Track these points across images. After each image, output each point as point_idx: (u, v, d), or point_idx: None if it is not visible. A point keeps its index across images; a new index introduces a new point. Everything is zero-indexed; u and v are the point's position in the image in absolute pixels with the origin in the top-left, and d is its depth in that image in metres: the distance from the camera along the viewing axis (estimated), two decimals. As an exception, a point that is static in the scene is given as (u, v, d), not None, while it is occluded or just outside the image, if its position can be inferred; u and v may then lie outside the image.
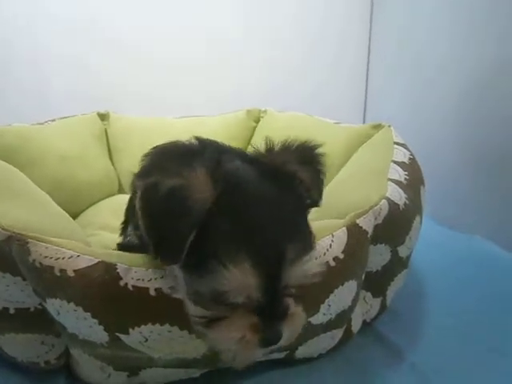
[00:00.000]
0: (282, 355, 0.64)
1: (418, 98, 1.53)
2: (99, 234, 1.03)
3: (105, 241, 0.97)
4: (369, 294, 0.73)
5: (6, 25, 1.42)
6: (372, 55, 1.81)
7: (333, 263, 0.56)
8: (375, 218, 0.62)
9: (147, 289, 0.52)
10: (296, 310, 0.48)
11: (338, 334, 0.67)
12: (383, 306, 0.77)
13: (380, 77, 1.79)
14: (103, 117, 1.41)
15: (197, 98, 1.59)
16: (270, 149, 0.54)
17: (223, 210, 0.44)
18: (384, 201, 0.64)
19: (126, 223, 0.80)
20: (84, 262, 0.53)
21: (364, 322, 0.75)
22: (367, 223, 0.60)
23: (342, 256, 0.57)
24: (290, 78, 1.73)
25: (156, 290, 0.52)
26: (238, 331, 0.45)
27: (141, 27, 1.55)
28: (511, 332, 0.79)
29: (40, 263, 0.52)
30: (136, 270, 0.53)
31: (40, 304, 0.59)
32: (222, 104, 1.48)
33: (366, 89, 1.85)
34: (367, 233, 0.60)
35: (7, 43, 1.44)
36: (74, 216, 1.13)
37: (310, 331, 0.59)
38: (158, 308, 0.52)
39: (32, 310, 0.59)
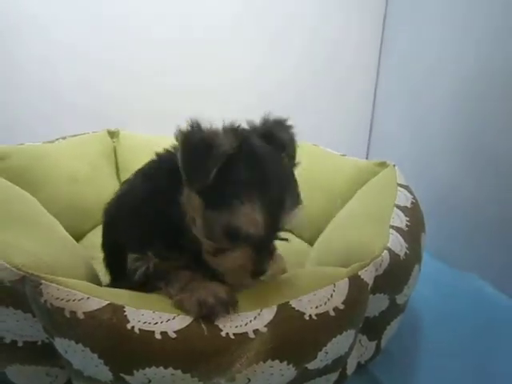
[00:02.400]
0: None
1: (422, 131, 1.56)
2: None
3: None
4: (365, 338, 0.75)
5: (18, 47, 1.46)
6: (379, 86, 1.85)
7: (332, 313, 0.59)
8: (376, 270, 0.65)
9: (153, 332, 0.55)
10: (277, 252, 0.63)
11: (333, 376, 0.70)
12: (378, 349, 0.80)
13: (385, 112, 1.84)
14: (113, 134, 1.45)
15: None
16: (264, 121, 0.68)
17: (242, 159, 0.59)
18: (386, 252, 0.67)
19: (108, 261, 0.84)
20: (94, 305, 0.56)
21: (358, 363, 0.78)
22: (368, 275, 0.63)
23: (342, 307, 0.60)
24: (295, 105, 1.77)
25: (161, 333, 0.55)
26: (236, 262, 0.60)
27: (152, 47, 1.59)
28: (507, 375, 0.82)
29: (51, 304, 0.55)
30: (143, 313, 0.56)
31: (47, 338, 0.62)
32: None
33: (371, 122, 1.89)
34: (368, 285, 0.63)
35: (17, 61, 1.48)
36: (80, 237, 1.16)
37: (306, 375, 0.62)
38: (162, 351, 0.54)
39: (39, 343, 0.63)
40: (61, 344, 0.57)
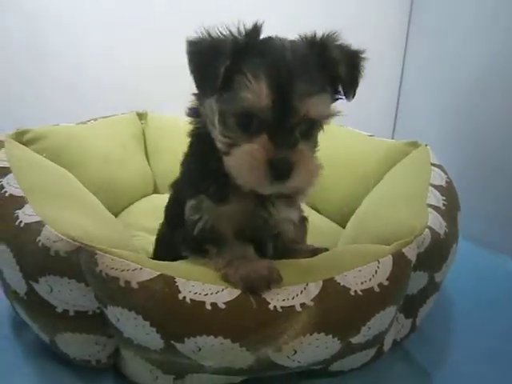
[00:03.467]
0: (317, 367, 0.69)
1: (450, 112, 1.55)
2: (138, 236, 1.10)
3: (145, 243, 1.04)
4: (401, 315, 0.77)
5: (48, 27, 1.49)
6: (406, 67, 1.84)
7: (377, 289, 0.61)
8: (418, 247, 0.66)
9: (204, 303, 0.58)
10: (306, 151, 0.59)
11: (372, 351, 0.72)
12: (413, 327, 0.82)
13: (412, 91, 1.82)
14: (141, 116, 1.48)
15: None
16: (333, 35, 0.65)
17: (251, 51, 0.58)
18: (427, 230, 0.68)
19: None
20: (146, 275, 0.59)
21: (394, 340, 0.80)
22: (411, 253, 0.65)
23: (386, 283, 0.61)
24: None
25: (212, 304, 0.58)
26: (250, 151, 0.56)
27: (179, 27, 1.59)
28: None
29: (106, 274, 0.59)
30: (193, 284, 0.59)
31: (98, 308, 0.65)
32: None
33: (398, 102, 1.88)
34: (411, 262, 0.65)
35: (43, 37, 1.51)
36: (114, 216, 1.20)
37: (349, 349, 0.64)
38: (213, 321, 0.57)
39: (90, 313, 0.66)
40: (113, 312, 0.60)
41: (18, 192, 0.74)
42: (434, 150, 1.06)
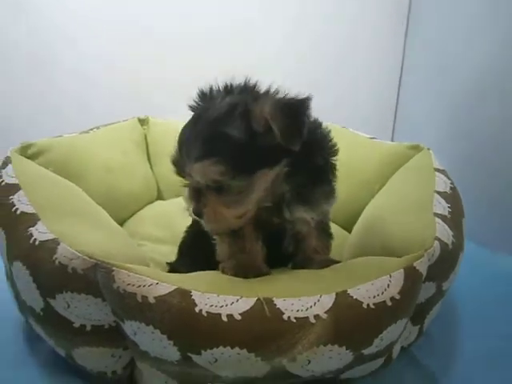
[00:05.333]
0: (328, 376, 0.72)
1: (449, 113, 1.59)
2: (145, 245, 1.13)
3: (151, 253, 1.07)
4: (409, 323, 0.80)
5: (51, 35, 1.52)
6: (405, 68, 1.87)
7: (389, 303, 0.63)
8: (428, 260, 0.69)
9: (219, 315, 0.60)
10: (211, 203, 0.70)
11: (381, 361, 0.75)
12: (420, 332, 0.85)
13: (411, 93, 1.86)
14: (143, 122, 1.52)
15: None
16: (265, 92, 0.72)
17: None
18: (436, 242, 0.71)
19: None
20: (163, 289, 0.62)
21: (401, 347, 0.83)
22: (423, 266, 0.68)
23: (398, 297, 0.64)
24: (319, 84, 1.80)
25: (227, 316, 0.60)
26: (185, 196, 0.74)
27: (182, 31, 1.63)
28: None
29: (124, 290, 0.62)
30: (209, 296, 0.62)
31: (114, 322, 0.68)
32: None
33: (397, 104, 1.91)
34: (422, 275, 0.68)
35: (51, 51, 1.54)
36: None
37: (360, 360, 0.67)
38: (229, 332, 0.60)
39: (106, 327, 0.69)
40: (130, 326, 0.63)
41: (29, 209, 0.77)
42: (433, 152, 1.09)
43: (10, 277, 0.78)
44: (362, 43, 1.83)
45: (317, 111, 1.52)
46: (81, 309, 0.67)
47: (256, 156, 0.66)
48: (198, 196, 0.71)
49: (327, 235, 0.86)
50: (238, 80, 0.74)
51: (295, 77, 1.73)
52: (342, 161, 1.25)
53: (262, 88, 0.73)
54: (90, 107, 1.61)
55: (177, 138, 0.71)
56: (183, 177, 0.72)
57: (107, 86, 1.63)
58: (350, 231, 1.15)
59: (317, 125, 0.78)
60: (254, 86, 0.74)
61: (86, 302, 0.66)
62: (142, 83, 1.66)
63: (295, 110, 0.66)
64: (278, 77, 1.66)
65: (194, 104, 0.74)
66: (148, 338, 0.62)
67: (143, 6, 1.62)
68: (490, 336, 0.93)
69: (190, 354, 0.61)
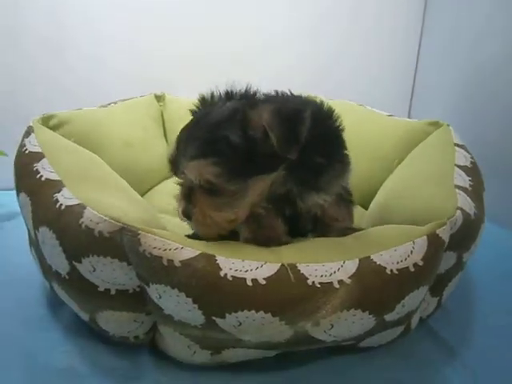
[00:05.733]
0: (348, 343, 0.74)
1: (468, 93, 1.57)
2: (163, 218, 1.14)
3: (169, 225, 1.08)
4: (428, 294, 0.81)
5: (61, 10, 1.53)
6: (422, 48, 1.85)
7: (412, 269, 0.65)
8: (451, 228, 0.70)
9: (244, 279, 0.62)
10: (201, 205, 0.71)
11: (400, 328, 0.77)
12: (439, 305, 0.87)
13: (429, 69, 1.84)
14: (159, 98, 1.53)
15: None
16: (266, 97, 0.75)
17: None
18: (459, 212, 0.72)
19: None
20: (188, 254, 0.63)
21: (420, 318, 0.85)
22: (445, 234, 0.69)
23: (421, 263, 0.65)
24: (335, 65, 1.82)
25: (252, 280, 0.62)
26: (176, 196, 0.75)
27: (196, 13, 1.63)
28: None
29: (150, 253, 0.63)
30: (233, 261, 0.64)
31: (138, 286, 0.70)
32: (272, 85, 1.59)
33: (414, 81, 1.90)
34: (444, 243, 0.68)
35: (62, 28, 1.55)
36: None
37: (382, 326, 0.68)
38: (254, 296, 0.61)
39: (130, 291, 0.71)
40: (155, 290, 0.65)
41: (53, 176, 0.79)
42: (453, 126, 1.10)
43: (34, 243, 0.80)
44: (380, 18, 1.82)
45: (333, 89, 1.54)
46: (106, 273, 0.68)
47: (253, 162, 0.67)
48: (188, 196, 0.71)
49: (347, 202, 0.86)
50: (239, 86, 0.75)
51: (309, 54, 1.75)
52: (359, 138, 1.27)
53: (261, 95, 0.75)
54: (104, 89, 1.61)
55: (175, 138, 0.72)
56: (177, 175, 0.73)
57: (121, 69, 1.63)
58: (366, 208, 1.16)
59: (318, 120, 0.75)
60: (255, 93, 0.75)
61: (112, 266, 0.67)
62: (156, 64, 1.66)
63: (293, 118, 0.66)
64: (292, 56, 1.69)
65: (195, 108, 0.77)
66: (173, 301, 0.64)
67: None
68: (504, 311, 0.95)
69: (214, 318, 0.63)
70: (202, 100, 0.77)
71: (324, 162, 0.74)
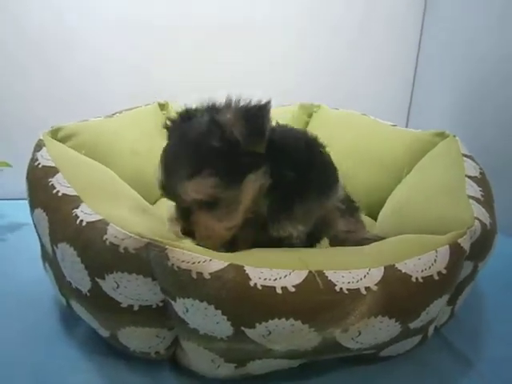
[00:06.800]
0: (370, 352, 0.78)
1: (468, 107, 1.64)
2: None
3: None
4: (444, 303, 0.87)
5: (66, 30, 1.58)
6: (421, 55, 1.93)
7: (436, 277, 0.69)
8: (470, 238, 0.75)
9: (274, 288, 0.65)
10: (201, 220, 0.75)
11: (419, 337, 0.81)
12: (452, 313, 0.92)
13: (426, 80, 1.92)
14: (163, 107, 1.58)
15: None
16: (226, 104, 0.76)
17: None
18: (477, 222, 0.77)
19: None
20: (217, 266, 0.66)
21: (434, 327, 0.90)
22: (466, 243, 0.73)
23: (444, 271, 0.70)
24: (337, 75, 1.90)
25: (282, 288, 0.65)
26: (169, 218, 0.79)
27: (197, 24, 1.69)
28: None
29: (178, 267, 0.66)
30: (262, 271, 0.67)
31: (161, 301, 0.72)
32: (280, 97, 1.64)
33: (412, 92, 1.98)
34: (466, 252, 0.73)
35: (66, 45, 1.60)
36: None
37: (405, 333, 0.73)
38: (284, 304, 0.65)
39: (154, 306, 0.73)
40: (183, 304, 0.67)
41: (70, 191, 0.81)
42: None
43: (50, 258, 0.83)
44: (377, 27, 1.90)
45: (334, 99, 1.60)
46: (130, 289, 0.70)
47: (239, 164, 0.73)
48: (186, 216, 0.75)
49: (351, 211, 0.92)
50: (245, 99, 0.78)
51: (311, 69, 1.80)
52: (365, 148, 1.33)
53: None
54: (112, 87, 1.66)
55: (159, 161, 0.76)
56: (171, 198, 0.77)
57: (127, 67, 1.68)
58: (374, 217, 1.21)
59: (290, 136, 0.83)
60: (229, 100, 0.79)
61: (136, 282, 0.70)
62: (157, 73, 1.72)
63: (254, 114, 0.72)
64: (300, 66, 1.75)
65: (172, 125, 0.82)
66: (200, 314, 0.67)
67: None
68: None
69: (243, 328, 0.66)
70: (180, 117, 0.81)
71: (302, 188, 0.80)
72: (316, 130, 1.47)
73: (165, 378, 0.79)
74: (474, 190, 0.91)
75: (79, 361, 0.82)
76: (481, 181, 0.95)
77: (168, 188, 0.75)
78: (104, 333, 0.79)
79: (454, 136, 1.16)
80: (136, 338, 0.77)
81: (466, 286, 0.88)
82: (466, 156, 1.05)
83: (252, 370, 0.76)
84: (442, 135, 1.19)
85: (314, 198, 0.82)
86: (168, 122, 0.83)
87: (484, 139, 1.53)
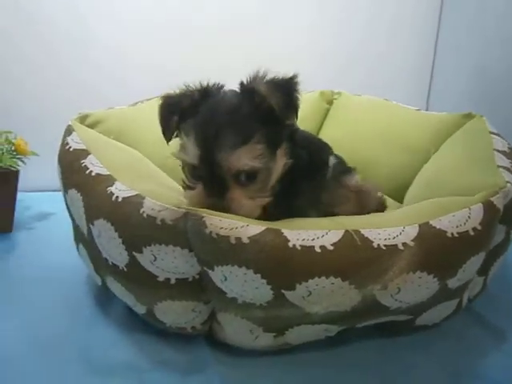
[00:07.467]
0: (406, 318, 0.80)
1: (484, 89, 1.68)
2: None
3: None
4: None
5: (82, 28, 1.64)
6: (440, 41, 1.97)
7: (472, 233, 0.72)
8: (504, 198, 0.77)
9: (313, 247, 0.68)
10: (239, 196, 0.75)
11: (454, 304, 0.83)
12: (484, 285, 0.93)
13: (446, 67, 1.95)
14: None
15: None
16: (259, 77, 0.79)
17: (193, 111, 0.77)
18: (509, 184, 0.80)
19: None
20: (254, 230, 0.69)
21: (468, 298, 0.91)
22: (500, 202, 0.76)
23: (479, 227, 0.72)
24: (352, 57, 1.93)
25: (321, 247, 0.68)
26: (192, 198, 0.76)
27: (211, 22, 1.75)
28: None
29: (217, 234, 0.68)
30: (299, 232, 0.69)
31: (198, 274, 0.74)
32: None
33: (431, 77, 2.01)
34: (500, 211, 0.76)
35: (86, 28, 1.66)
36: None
37: (443, 293, 0.75)
38: (323, 262, 0.67)
39: (190, 279, 0.75)
40: (220, 272, 0.69)
41: (103, 171, 0.85)
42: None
43: (84, 239, 0.86)
44: (395, 13, 1.93)
45: (351, 83, 1.63)
46: (167, 261, 0.73)
47: (275, 135, 0.77)
48: (219, 192, 0.75)
49: (346, 173, 1.02)
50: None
51: (329, 54, 1.86)
52: (390, 132, 1.35)
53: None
54: (126, 83, 1.69)
55: (192, 139, 0.74)
56: (209, 174, 0.74)
57: (142, 63, 1.72)
58: (399, 200, 1.24)
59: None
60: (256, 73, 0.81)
61: (173, 254, 0.72)
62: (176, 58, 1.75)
63: (287, 86, 0.76)
64: (316, 54, 1.78)
65: (191, 101, 0.79)
66: (239, 280, 0.69)
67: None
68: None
69: (283, 291, 0.68)
70: (199, 91, 0.80)
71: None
72: (339, 116, 1.55)
73: (202, 354, 0.81)
74: (504, 161, 0.93)
75: (118, 339, 0.84)
76: (509, 154, 0.98)
77: (210, 160, 0.73)
78: (140, 309, 0.82)
79: (481, 116, 1.18)
80: (172, 312, 0.79)
81: (499, 255, 0.90)
82: (493, 133, 1.07)
83: (290, 339, 0.78)
84: (468, 116, 1.21)
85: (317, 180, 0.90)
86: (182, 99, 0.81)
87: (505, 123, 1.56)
